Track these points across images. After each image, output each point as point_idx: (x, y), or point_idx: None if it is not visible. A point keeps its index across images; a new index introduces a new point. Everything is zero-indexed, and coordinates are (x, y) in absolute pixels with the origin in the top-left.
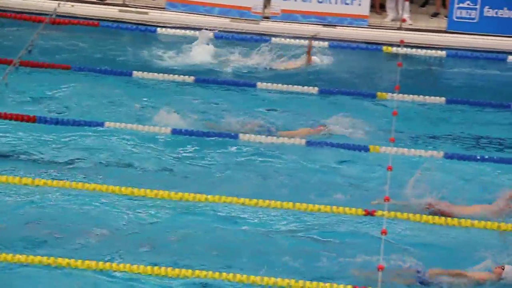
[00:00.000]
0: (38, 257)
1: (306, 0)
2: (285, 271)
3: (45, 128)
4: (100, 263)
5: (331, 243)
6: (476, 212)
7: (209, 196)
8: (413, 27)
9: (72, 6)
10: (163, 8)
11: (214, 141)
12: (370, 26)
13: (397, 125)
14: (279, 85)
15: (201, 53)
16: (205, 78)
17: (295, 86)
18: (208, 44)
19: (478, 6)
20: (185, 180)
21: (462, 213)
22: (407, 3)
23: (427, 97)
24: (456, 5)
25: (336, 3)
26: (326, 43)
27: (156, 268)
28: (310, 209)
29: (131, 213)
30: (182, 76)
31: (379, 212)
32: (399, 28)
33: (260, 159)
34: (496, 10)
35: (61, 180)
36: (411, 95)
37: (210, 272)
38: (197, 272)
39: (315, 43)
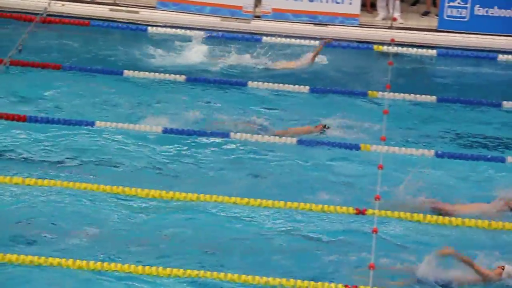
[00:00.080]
0: (29, 257)
1: None
2: (276, 270)
3: (36, 127)
4: (91, 262)
5: (322, 242)
6: (475, 211)
7: (200, 195)
8: (404, 26)
9: (63, 5)
10: (154, 7)
11: (205, 140)
12: (361, 25)
13: (388, 124)
14: (271, 84)
15: (192, 52)
16: (196, 77)
17: (286, 85)
18: (199, 43)
19: (468, 5)
20: (176, 179)
21: (461, 211)
22: (397, 2)
23: (418, 95)
24: (446, 4)
25: (327, 2)
26: (317, 42)
27: (147, 267)
28: (301, 208)
29: (122, 213)
30: (173, 75)
31: (370, 211)
32: (390, 27)
33: (251, 158)
34: (486, 8)
35: (52, 179)
36: (402, 94)
37: (202, 271)
38: (188, 271)
39: (307, 41)
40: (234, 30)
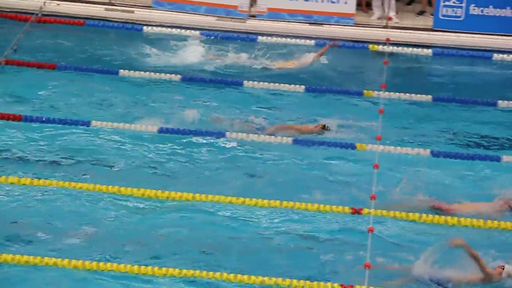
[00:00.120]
0: (25, 257)
1: None
2: (272, 270)
3: (32, 127)
4: (87, 262)
5: (318, 241)
6: (475, 210)
7: (196, 195)
8: (399, 25)
9: (58, 4)
10: (149, 7)
11: (201, 139)
12: (357, 25)
13: (384, 123)
14: (266, 83)
15: (188, 52)
16: (191, 76)
17: (281, 85)
18: (194, 43)
19: (464, 4)
20: (172, 178)
21: (461, 211)
22: (393, 2)
23: (413, 95)
24: (442, 3)
25: (322, 1)
26: (312, 42)
27: (143, 267)
28: (297, 207)
29: (118, 212)
30: (168, 74)
31: (366, 210)
32: (385, 26)
33: (247, 157)
34: (481, 8)
35: (47, 179)
36: (397, 93)
37: (198, 271)
38: (184, 271)
39: (302, 41)
40: (230, 29)
